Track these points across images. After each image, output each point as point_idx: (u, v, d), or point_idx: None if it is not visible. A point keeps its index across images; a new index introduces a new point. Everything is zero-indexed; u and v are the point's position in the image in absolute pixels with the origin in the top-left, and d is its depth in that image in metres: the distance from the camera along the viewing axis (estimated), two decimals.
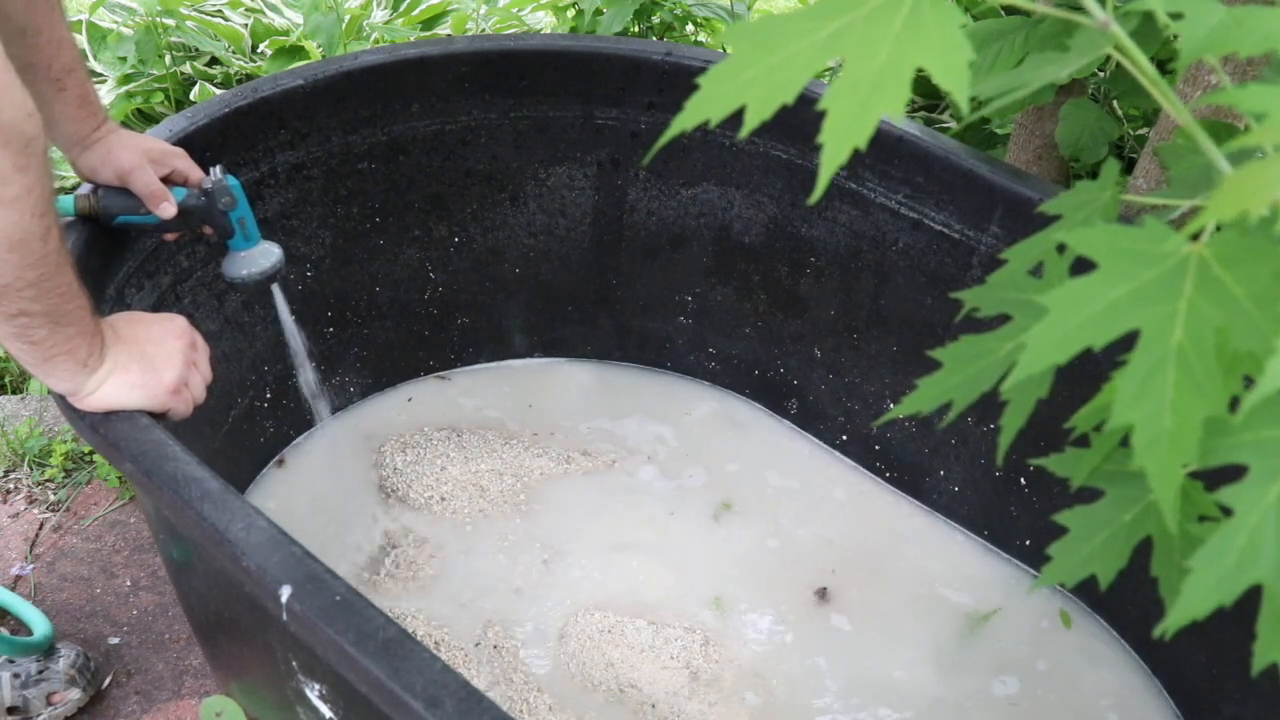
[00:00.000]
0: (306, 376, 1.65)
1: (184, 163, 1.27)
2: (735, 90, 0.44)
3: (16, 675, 1.42)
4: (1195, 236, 0.46)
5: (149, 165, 1.22)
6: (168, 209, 1.23)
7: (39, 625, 1.49)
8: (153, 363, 1.05)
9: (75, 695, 1.44)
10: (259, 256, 1.35)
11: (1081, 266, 0.47)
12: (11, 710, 1.41)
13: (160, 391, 1.05)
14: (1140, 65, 0.48)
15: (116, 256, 1.27)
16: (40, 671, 1.43)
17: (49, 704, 1.42)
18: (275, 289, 1.47)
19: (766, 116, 0.44)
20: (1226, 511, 0.46)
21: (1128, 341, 0.46)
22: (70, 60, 1.15)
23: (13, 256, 0.85)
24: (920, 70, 0.43)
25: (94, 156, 1.21)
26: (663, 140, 0.49)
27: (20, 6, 1.08)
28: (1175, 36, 0.50)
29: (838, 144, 0.42)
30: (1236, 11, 0.50)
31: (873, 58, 0.42)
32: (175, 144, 1.35)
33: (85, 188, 1.23)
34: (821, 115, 0.44)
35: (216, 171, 1.29)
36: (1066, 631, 1.58)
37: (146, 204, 1.22)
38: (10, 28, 1.08)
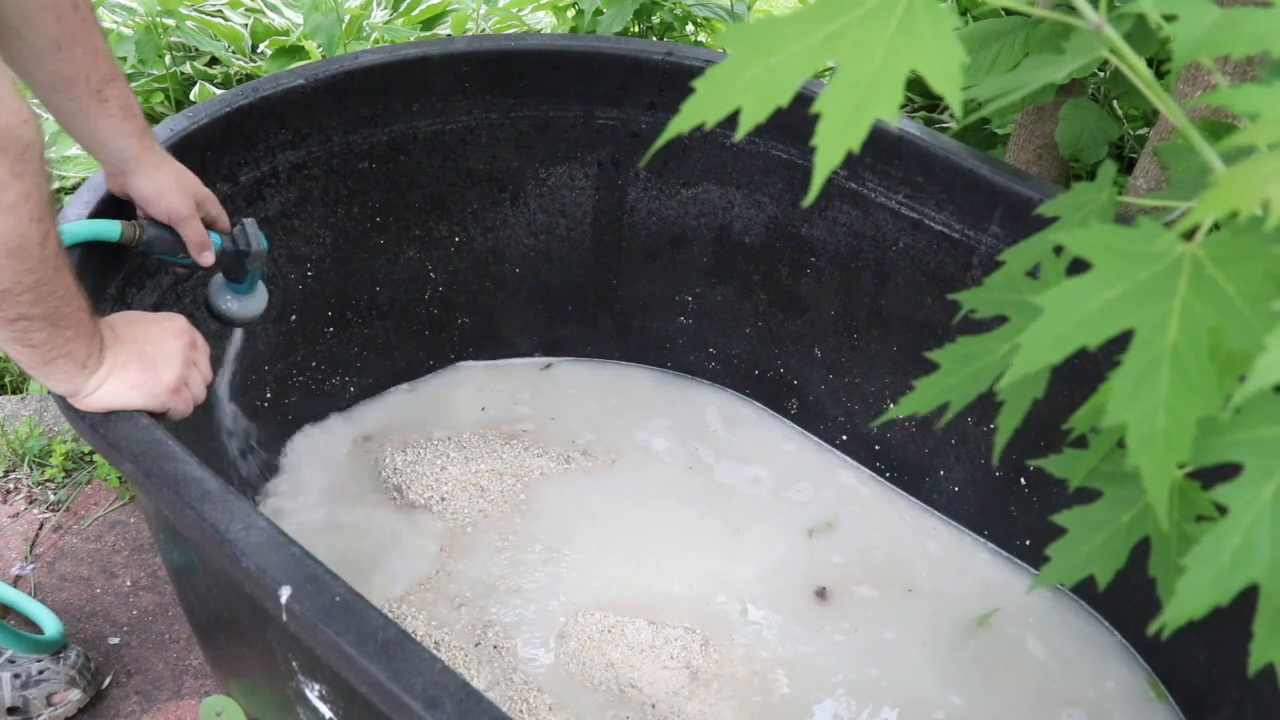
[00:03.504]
0: (234, 430, 1.60)
1: (215, 208, 1.28)
2: (731, 93, 0.44)
3: (17, 676, 1.42)
4: (1190, 236, 0.46)
5: (197, 212, 1.23)
6: (208, 258, 1.25)
7: (50, 625, 1.49)
8: (152, 362, 1.05)
9: (75, 696, 1.44)
10: (257, 300, 1.36)
11: (1079, 268, 0.47)
12: (12, 710, 1.41)
13: (160, 391, 1.05)
14: (1134, 67, 0.48)
15: (117, 256, 1.28)
16: (40, 672, 1.43)
17: (49, 704, 1.43)
18: (239, 331, 1.48)
19: (761, 119, 0.44)
20: (1223, 511, 0.47)
21: (1126, 341, 0.46)
22: (109, 70, 1.14)
23: (11, 262, 0.86)
24: (914, 73, 0.43)
25: (147, 185, 1.20)
26: (659, 142, 0.50)
27: (51, 18, 1.07)
28: (1169, 39, 0.50)
29: (832, 146, 0.42)
30: (1231, 13, 0.50)
31: (867, 61, 0.42)
32: (176, 144, 1.36)
33: (135, 219, 1.22)
34: None
35: (252, 231, 1.30)
36: (1066, 631, 1.58)
37: (191, 252, 1.24)
38: (45, 41, 1.07)
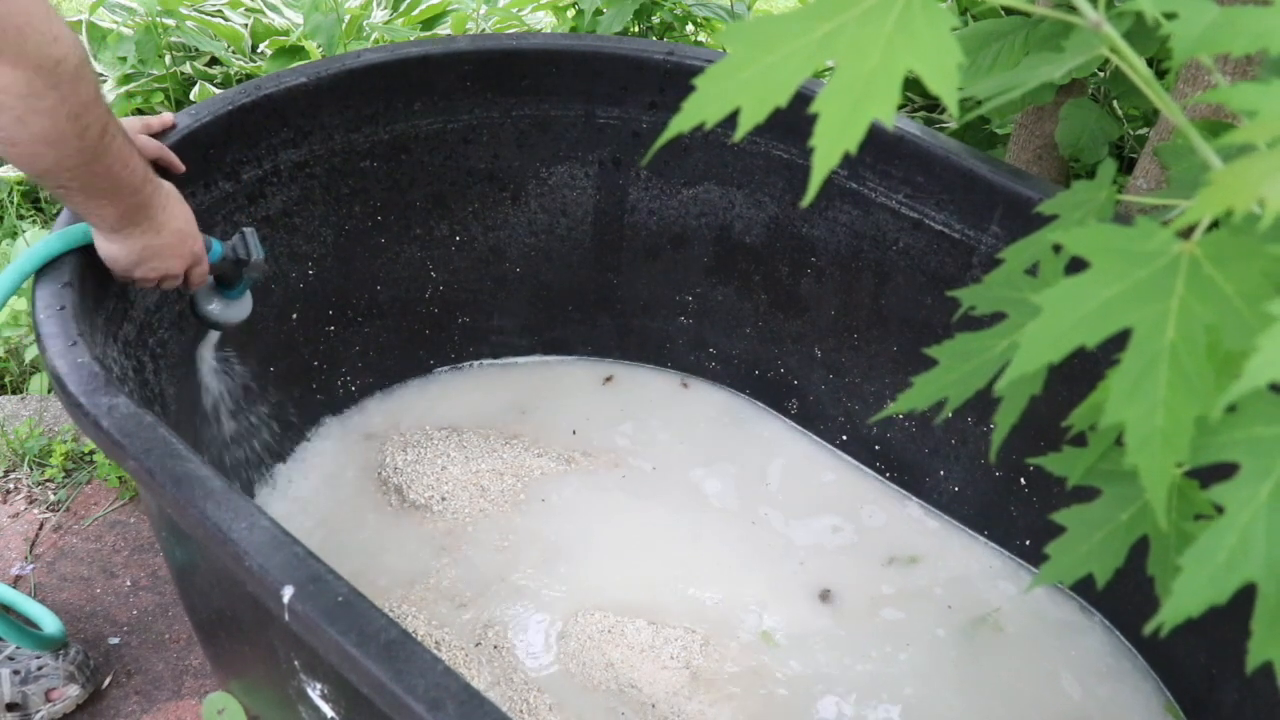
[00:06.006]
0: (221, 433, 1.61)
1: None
2: (730, 92, 0.44)
3: (16, 672, 1.42)
4: (1187, 235, 0.46)
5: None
6: (176, 166, 1.35)
7: (49, 624, 1.49)
8: (143, 261, 1.18)
9: (74, 692, 1.44)
10: (242, 306, 1.39)
11: (1078, 266, 0.47)
12: (10, 707, 1.41)
13: (120, 274, 1.20)
14: (1133, 65, 0.48)
15: None
16: (39, 668, 1.43)
17: (48, 700, 1.43)
18: (212, 334, 1.48)
19: (760, 119, 0.44)
20: (1221, 510, 0.47)
21: (1125, 339, 0.47)
22: None
23: (51, 150, 1.01)
24: (911, 73, 0.43)
25: None
26: (660, 142, 0.50)
27: None
28: (1169, 37, 0.50)
29: (829, 147, 0.42)
30: (1229, 11, 0.50)
31: (864, 60, 0.42)
32: (177, 143, 1.36)
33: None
34: None
35: (251, 241, 1.33)
36: (1067, 630, 1.58)
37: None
38: None
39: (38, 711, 1.42)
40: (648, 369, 1.95)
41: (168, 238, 1.19)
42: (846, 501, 1.75)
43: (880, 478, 1.78)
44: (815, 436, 1.84)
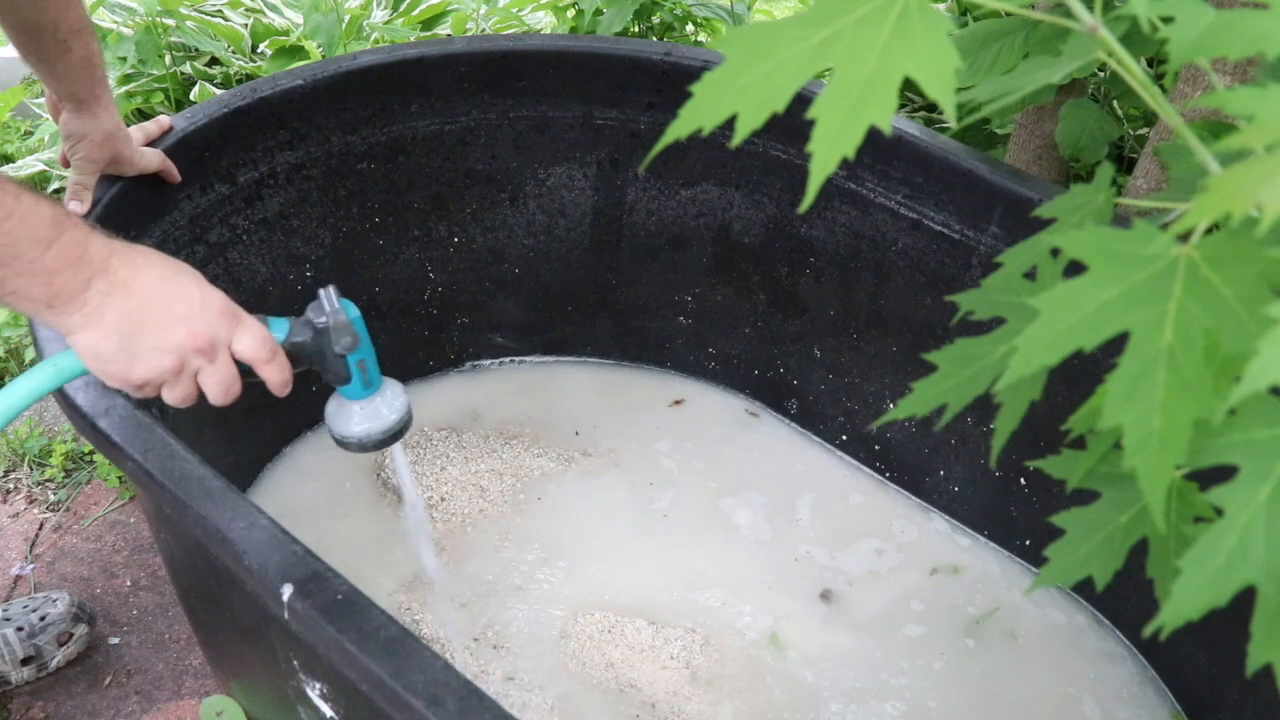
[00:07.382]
0: (427, 557, 1.45)
1: (137, 167, 1.31)
2: (728, 98, 0.44)
3: (20, 629, 1.46)
4: (1185, 238, 0.46)
5: (99, 172, 1.27)
6: (74, 208, 1.24)
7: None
8: (134, 343, 0.84)
9: (82, 630, 1.49)
10: (382, 407, 1.01)
11: (1076, 270, 0.47)
12: (27, 660, 1.45)
13: (119, 380, 0.87)
14: (1129, 69, 0.48)
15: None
16: (42, 618, 1.48)
17: (60, 645, 1.47)
18: (397, 448, 1.10)
19: (758, 125, 0.44)
20: (1220, 512, 0.47)
21: (1124, 343, 0.47)
22: (78, 20, 1.18)
23: None
24: (908, 78, 0.43)
25: (74, 127, 1.24)
26: (658, 148, 0.50)
27: None
28: (1164, 41, 0.50)
29: (827, 153, 0.42)
30: (1226, 14, 0.50)
31: (861, 66, 0.42)
32: (174, 145, 1.37)
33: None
34: None
35: (330, 298, 0.96)
36: (1068, 631, 1.58)
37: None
38: None
39: (53, 657, 1.47)
40: (648, 370, 1.95)
41: (148, 298, 0.84)
42: (848, 501, 1.75)
43: (874, 475, 1.78)
44: (815, 437, 1.84)
